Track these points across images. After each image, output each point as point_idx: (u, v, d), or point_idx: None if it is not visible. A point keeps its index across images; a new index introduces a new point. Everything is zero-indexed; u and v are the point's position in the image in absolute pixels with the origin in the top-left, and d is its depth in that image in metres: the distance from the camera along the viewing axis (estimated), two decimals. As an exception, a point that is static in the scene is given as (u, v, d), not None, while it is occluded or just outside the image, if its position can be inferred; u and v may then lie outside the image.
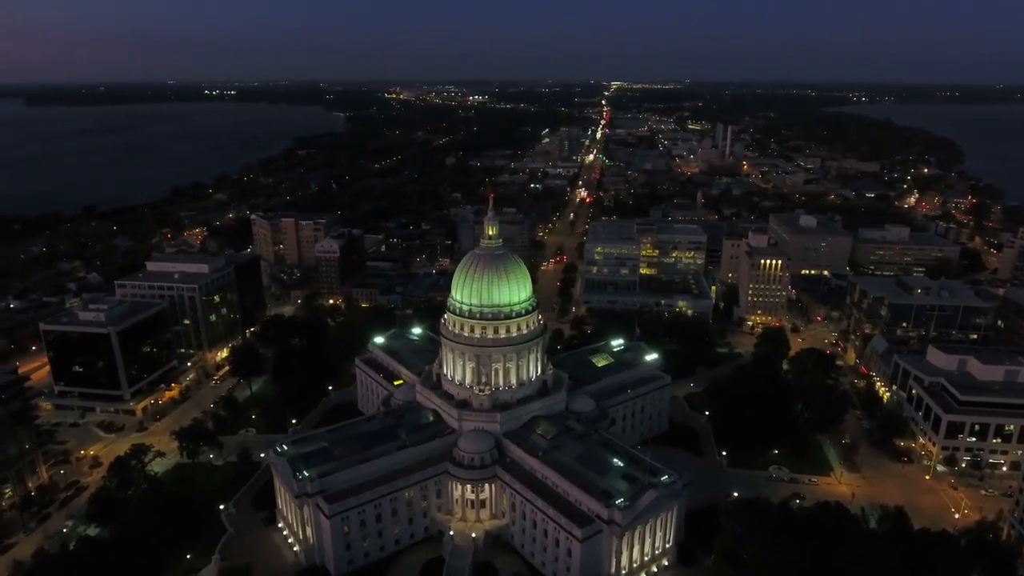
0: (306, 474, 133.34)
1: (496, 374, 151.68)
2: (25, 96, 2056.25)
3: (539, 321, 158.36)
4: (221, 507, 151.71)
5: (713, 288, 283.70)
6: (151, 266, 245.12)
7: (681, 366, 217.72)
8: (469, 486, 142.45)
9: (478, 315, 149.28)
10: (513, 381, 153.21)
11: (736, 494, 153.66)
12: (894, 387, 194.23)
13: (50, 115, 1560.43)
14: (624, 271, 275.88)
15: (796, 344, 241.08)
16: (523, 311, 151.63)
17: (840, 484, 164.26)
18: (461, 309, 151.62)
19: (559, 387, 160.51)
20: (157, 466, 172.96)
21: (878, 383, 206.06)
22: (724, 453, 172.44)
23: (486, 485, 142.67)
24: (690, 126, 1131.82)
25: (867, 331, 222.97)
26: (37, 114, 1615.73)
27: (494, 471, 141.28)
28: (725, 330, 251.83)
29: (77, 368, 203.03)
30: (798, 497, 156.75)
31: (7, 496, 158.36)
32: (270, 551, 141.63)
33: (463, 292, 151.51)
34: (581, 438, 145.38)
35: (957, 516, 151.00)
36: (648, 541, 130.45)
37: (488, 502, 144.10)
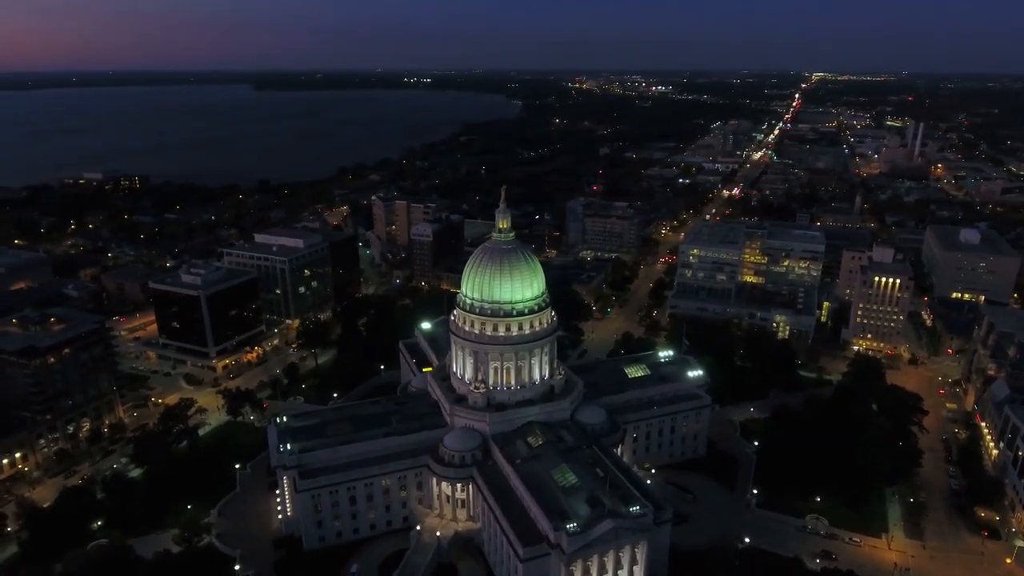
0: (288, 447, 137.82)
1: (495, 373, 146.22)
2: (255, 81, 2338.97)
3: (551, 321, 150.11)
4: (237, 466, 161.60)
5: (825, 305, 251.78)
6: (258, 238, 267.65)
7: (753, 387, 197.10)
8: (446, 484, 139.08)
9: (478, 310, 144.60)
10: (512, 382, 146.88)
11: (748, 540, 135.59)
12: (1002, 444, 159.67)
13: (271, 99, 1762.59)
14: (721, 277, 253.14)
15: (908, 378, 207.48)
16: (526, 310, 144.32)
17: (888, 550, 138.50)
18: (465, 303, 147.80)
19: (567, 394, 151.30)
20: (212, 419, 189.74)
21: (988, 436, 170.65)
22: (755, 491, 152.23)
23: (465, 485, 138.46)
24: (888, 122, 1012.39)
25: (990, 373, 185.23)
26: (261, 97, 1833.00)
27: (471, 472, 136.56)
28: (819, 353, 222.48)
29: (175, 324, 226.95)
30: (827, 556, 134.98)
31: (84, 429, 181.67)
32: (263, 514, 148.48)
33: (467, 286, 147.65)
34: (568, 451, 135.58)
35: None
36: None
37: (467, 503, 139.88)
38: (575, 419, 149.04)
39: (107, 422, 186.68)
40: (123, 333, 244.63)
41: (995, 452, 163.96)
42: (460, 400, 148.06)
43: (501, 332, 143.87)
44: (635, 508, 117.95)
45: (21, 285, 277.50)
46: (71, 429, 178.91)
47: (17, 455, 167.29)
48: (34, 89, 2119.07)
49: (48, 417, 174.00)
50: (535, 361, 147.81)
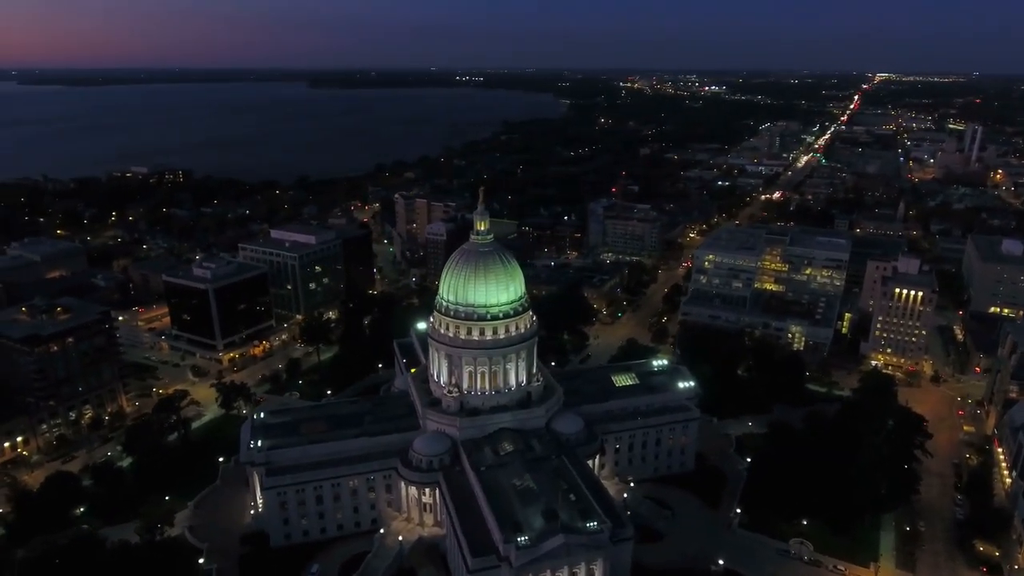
0: (258, 444, 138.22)
1: (469, 377, 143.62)
2: (309, 79, 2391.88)
3: (529, 326, 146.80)
4: (220, 459, 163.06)
5: (847, 316, 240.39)
6: (274, 233, 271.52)
7: (757, 400, 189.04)
8: (414, 488, 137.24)
9: (453, 313, 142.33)
10: (487, 387, 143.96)
11: (722, 562, 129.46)
12: (1015, 473, 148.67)
13: (323, 96, 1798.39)
14: (736, 284, 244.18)
15: (927, 396, 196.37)
16: (501, 314, 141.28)
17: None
18: (442, 306, 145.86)
19: (544, 401, 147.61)
20: (210, 412, 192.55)
21: (1003, 464, 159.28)
22: (739, 511, 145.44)
23: (432, 490, 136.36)
24: (951, 125, 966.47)
25: (1011, 395, 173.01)
26: (314, 95, 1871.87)
27: (437, 477, 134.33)
28: (832, 366, 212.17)
29: (186, 316, 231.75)
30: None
31: (86, 417, 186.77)
32: (236, 509, 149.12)
33: (444, 288, 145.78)
34: (536, 461, 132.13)
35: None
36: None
37: (433, 508, 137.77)
38: (550, 427, 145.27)
39: (109, 410, 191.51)
40: (140, 323, 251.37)
41: (1008, 481, 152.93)
42: (434, 403, 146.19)
43: (475, 336, 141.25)
44: (591, 524, 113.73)
45: (56, 274, 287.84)
46: (72, 416, 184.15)
47: (19, 439, 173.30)
48: (104, 85, 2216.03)
49: (51, 403, 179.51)
50: (511, 366, 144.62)
